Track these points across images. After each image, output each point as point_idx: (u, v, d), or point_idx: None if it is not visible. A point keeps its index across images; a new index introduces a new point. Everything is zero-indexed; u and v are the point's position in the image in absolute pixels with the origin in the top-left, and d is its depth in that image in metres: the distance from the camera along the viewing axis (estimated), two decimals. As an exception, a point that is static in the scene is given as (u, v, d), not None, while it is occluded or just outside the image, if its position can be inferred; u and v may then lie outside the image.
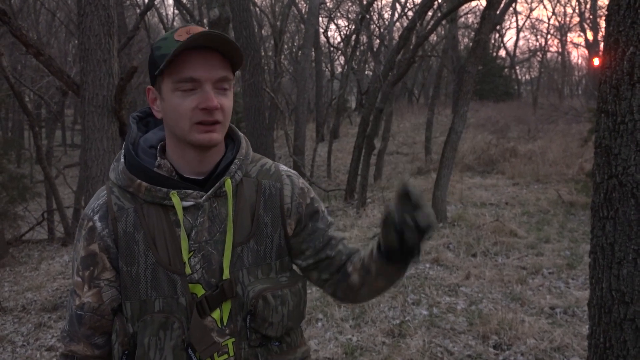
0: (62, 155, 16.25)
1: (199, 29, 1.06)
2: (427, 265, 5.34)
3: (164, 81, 1.08)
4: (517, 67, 33.15)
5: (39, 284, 5.80)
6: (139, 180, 1.09)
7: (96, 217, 1.12)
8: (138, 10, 14.23)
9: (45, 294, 5.38)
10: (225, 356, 1.13)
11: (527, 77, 38.44)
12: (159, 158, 1.14)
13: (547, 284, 4.70)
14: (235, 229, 1.13)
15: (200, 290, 1.11)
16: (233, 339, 1.13)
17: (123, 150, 1.15)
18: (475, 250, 5.72)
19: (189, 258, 1.10)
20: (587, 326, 2.18)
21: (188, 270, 1.09)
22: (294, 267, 1.27)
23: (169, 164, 1.14)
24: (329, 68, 23.96)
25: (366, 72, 24.47)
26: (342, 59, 23.41)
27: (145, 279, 1.09)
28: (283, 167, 1.25)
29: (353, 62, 17.11)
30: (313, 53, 17.55)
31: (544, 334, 3.64)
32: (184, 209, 1.10)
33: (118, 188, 1.13)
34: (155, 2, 12.71)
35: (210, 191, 1.11)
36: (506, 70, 29.76)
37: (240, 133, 1.22)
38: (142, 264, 1.09)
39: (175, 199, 1.08)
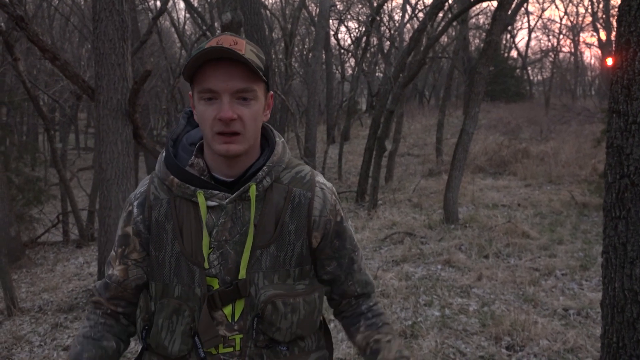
0: (75, 159, 16.38)
1: (228, 39, 1.10)
2: (439, 267, 5.34)
3: (194, 89, 1.14)
4: (529, 68, 32.95)
5: (55, 285, 5.88)
6: (172, 176, 1.17)
7: (135, 203, 1.22)
8: (150, 15, 14.38)
9: (61, 295, 5.46)
10: (231, 349, 1.18)
11: (539, 77, 38.23)
12: (193, 156, 1.20)
13: (560, 286, 4.68)
14: (257, 233, 1.16)
15: (216, 284, 1.17)
16: (241, 336, 1.17)
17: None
18: (487, 251, 5.70)
19: (209, 254, 1.16)
20: (600, 327, 2.18)
21: (206, 265, 1.16)
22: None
23: (203, 163, 1.19)
24: (340, 70, 24.02)
25: (377, 74, 24.49)
26: (352, 61, 23.45)
27: (169, 265, 1.18)
28: (320, 178, 1.26)
29: (363, 64, 17.11)
30: (324, 55, 17.61)
31: (557, 335, 3.63)
32: (209, 207, 1.16)
33: (158, 179, 1.22)
34: (167, 7, 12.82)
35: (235, 194, 1.15)
36: (518, 70, 29.58)
37: (277, 139, 1.24)
38: (168, 251, 1.18)
39: (200, 197, 1.15)
